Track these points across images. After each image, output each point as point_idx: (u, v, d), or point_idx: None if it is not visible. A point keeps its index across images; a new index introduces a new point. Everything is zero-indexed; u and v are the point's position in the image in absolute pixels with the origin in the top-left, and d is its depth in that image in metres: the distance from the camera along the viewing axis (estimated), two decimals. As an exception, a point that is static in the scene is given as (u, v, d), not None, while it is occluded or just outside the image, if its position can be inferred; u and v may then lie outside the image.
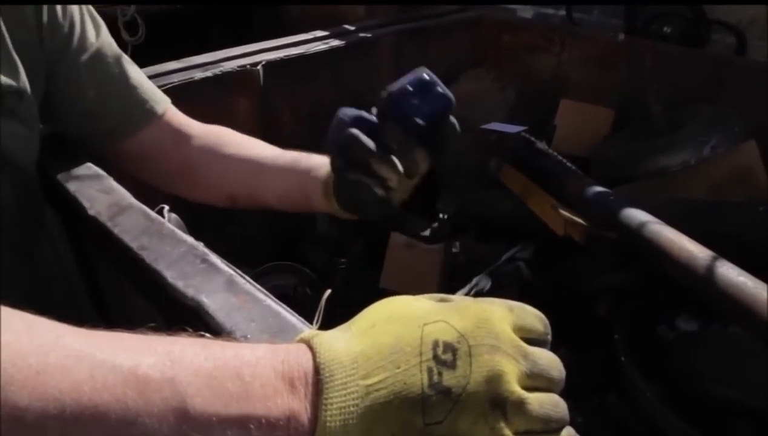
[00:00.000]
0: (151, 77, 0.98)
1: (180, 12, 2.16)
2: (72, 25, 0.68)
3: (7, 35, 0.61)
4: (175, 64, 1.14)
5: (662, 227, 0.79)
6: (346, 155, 0.58)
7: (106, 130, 0.75)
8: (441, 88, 0.59)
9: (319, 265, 1.32)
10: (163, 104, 0.77)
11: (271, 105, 1.25)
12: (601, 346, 1.02)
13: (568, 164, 1.10)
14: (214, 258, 0.55)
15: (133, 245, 0.58)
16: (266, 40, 1.33)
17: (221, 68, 1.14)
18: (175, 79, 1.08)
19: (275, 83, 1.21)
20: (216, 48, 1.28)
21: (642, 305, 1.01)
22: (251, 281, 0.52)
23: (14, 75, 0.61)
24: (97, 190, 0.69)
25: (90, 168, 0.75)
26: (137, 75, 0.76)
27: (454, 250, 1.29)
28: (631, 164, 1.16)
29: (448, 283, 1.26)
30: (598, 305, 1.10)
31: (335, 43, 1.32)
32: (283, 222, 1.39)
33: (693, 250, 0.74)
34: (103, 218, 0.64)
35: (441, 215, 1.38)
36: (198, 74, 1.11)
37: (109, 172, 0.74)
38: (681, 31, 1.45)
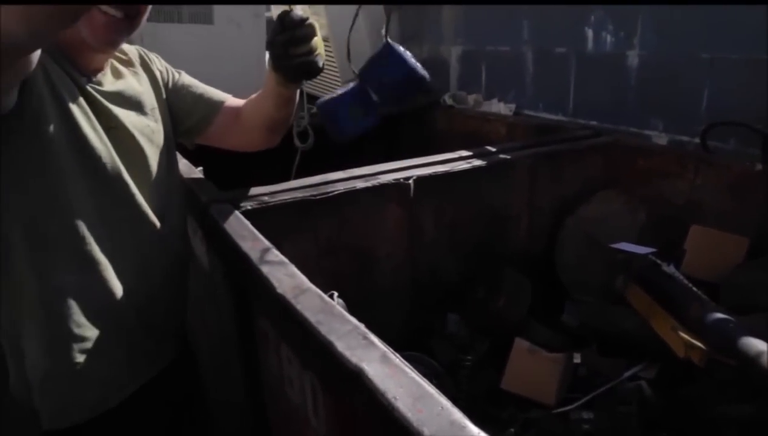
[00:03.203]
0: (318, 185, 1.31)
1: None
2: (169, 71, 1.18)
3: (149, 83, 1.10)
4: (340, 174, 1.36)
5: (780, 358, 0.82)
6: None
7: (197, 122, 1.18)
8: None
9: (446, 360, 1.42)
10: (223, 97, 1.21)
11: (418, 214, 1.43)
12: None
13: (694, 289, 1.14)
14: (373, 337, 0.71)
15: (312, 320, 0.75)
16: (413, 152, 1.55)
17: (378, 180, 1.35)
18: (340, 187, 1.30)
19: (423, 195, 1.39)
20: (370, 157, 1.51)
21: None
22: (400, 357, 0.66)
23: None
24: (283, 274, 0.89)
25: (277, 255, 0.96)
26: (205, 87, 1.21)
27: (575, 360, 1.34)
28: (762, 294, 1.17)
29: (567, 394, 1.31)
30: (724, 434, 1.09)
31: (477, 162, 1.49)
32: (415, 318, 1.52)
33: (809, 383, 0.76)
34: (288, 296, 0.82)
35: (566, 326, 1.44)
36: (359, 184, 1.32)
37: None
38: (824, 165, 1.44)
